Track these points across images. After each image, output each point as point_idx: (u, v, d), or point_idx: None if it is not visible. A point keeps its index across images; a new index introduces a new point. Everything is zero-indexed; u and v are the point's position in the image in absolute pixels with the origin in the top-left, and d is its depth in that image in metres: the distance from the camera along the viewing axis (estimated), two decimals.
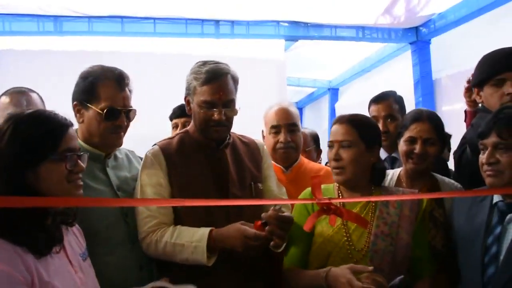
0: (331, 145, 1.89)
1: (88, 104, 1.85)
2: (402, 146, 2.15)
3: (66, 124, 1.47)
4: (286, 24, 4.96)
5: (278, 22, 4.91)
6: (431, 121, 2.13)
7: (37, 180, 1.39)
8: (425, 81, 5.15)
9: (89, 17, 4.36)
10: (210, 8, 4.51)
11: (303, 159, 2.59)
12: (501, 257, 1.62)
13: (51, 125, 1.42)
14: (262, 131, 2.61)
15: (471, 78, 2.28)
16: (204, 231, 1.76)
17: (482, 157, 1.72)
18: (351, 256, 1.79)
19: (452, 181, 2.19)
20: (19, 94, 2.36)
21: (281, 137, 2.42)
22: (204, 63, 1.95)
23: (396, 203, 1.85)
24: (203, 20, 4.71)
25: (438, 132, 2.13)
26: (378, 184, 1.96)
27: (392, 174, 2.26)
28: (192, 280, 1.65)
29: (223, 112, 1.90)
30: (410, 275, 1.83)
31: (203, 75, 1.90)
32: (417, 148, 2.08)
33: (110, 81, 1.84)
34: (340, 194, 1.94)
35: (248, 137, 2.20)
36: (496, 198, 1.75)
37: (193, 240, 1.75)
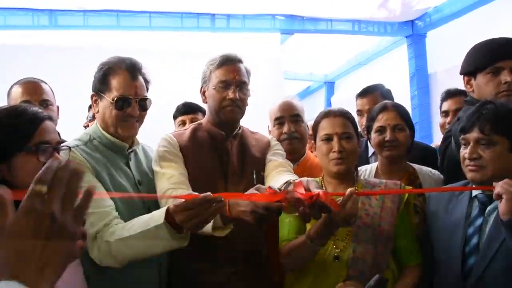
0: (329, 137, 1.91)
1: (102, 94, 1.89)
2: (374, 138, 2.20)
3: (41, 117, 1.45)
4: (282, 18, 4.97)
5: (273, 15, 4.92)
6: (397, 109, 2.20)
7: (10, 173, 1.38)
8: (420, 75, 5.18)
9: (84, 11, 4.36)
10: (205, 2, 4.51)
11: (309, 154, 2.60)
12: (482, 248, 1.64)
13: (24, 118, 1.42)
14: (268, 126, 2.62)
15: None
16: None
17: (464, 152, 1.73)
18: (334, 246, 1.81)
19: (429, 169, 2.23)
20: (31, 84, 2.39)
21: (285, 128, 2.44)
22: (220, 54, 2.05)
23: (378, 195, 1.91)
24: (198, 14, 4.71)
25: (405, 119, 2.19)
26: (356, 172, 2.02)
27: (370, 168, 2.30)
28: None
29: (237, 92, 1.98)
30: (397, 264, 1.86)
31: (218, 59, 2.01)
32: (388, 135, 2.13)
33: (122, 71, 1.84)
34: (324, 186, 1.96)
35: (260, 134, 2.25)
36: (476, 191, 1.76)
37: None
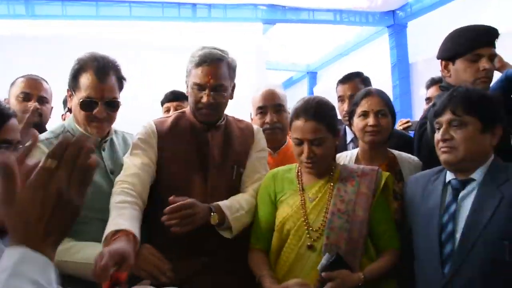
0: (300, 142, 1.86)
1: (73, 92, 1.91)
2: (357, 123, 2.20)
3: (7, 114, 1.39)
4: (264, 7, 4.94)
5: (255, 5, 4.89)
6: (380, 95, 2.21)
7: None
8: (401, 65, 5.22)
9: (63, 0, 4.26)
10: None
11: (290, 142, 2.60)
12: (457, 235, 1.64)
13: None
14: (250, 114, 2.61)
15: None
16: (112, 228, 1.62)
17: (437, 135, 1.73)
18: (308, 235, 1.80)
19: (409, 155, 2.25)
20: (33, 80, 2.56)
21: (267, 118, 2.44)
22: (202, 48, 2.02)
23: (354, 180, 1.87)
24: (179, 4, 4.65)
25: (388, 106, 2.19)
26: (333, 160, 2.00)
27: (350, 155, 2.30)
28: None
29: (212, 95, 1.96)
30: (375, 250, 1.87)
31: (197, 58, 1.97)
32: (371, 120, 2.13)
33: (91, 71, 1.84)
34: (300, 175, 1.97)
35: (246, 122, 2.25)
36: (449, 176, 1.77)
37: (113, 216, 1.69)
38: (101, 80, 1.84)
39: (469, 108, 1.66)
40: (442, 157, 1.72)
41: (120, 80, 1.94)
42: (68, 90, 1.94)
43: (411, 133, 3.04)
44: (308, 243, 1.79)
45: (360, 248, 1.79)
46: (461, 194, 1.71)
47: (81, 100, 1.84)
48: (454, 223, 1.67)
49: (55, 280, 0.74)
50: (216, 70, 1.96)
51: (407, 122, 3.19)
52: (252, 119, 2.56)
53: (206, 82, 1.95)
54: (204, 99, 1.95)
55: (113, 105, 1.91)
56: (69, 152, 0.74)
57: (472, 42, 2.07)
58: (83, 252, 1.68)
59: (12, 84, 2.58)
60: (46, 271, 0.72)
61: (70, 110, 2.15)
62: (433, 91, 3.07)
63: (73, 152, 0.75)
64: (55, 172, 0.73)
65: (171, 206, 1.73)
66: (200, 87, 1.96)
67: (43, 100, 2.54)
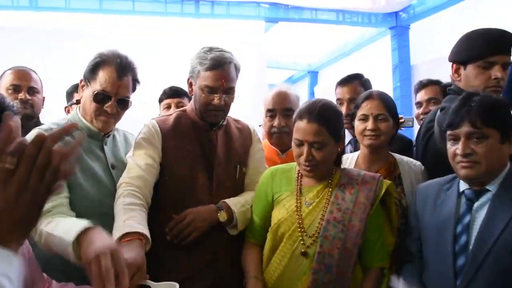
0: (300, 143, 1.83)
1: (88, 83, 1.96)
2: (357, 125, 2.18)
3: (11, 112, 1.35)
4: (267, 6, 4.94)
5: (258, 3, 4.89)
6: (381, 99, 2.16)
7: None
8: (403, 66, 5.21)
9: None
10: None
11: None
12: (471, 247, 1.59)
13: None
14: (263, 113, 2.61)
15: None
16: (127, 230, 1.60)
17: (454, 148, 1.66)
18: (302, 242, 1.78)
19: (411, 159, 2.23)
20: (22, 71, 2.60)
21: (275, 122, 2.43)
22: (210, 49, 2.03)
23: (353, 189, 1.83)
24: (182, 0, 4.65)
25: (389, 109, 2.15)
26: (338, 164, 1.97)
27: (351, 158, 2.28)
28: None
29: (223, 98, 2.00)
30: (361, 263, 1.84)
31: (208, 61, 1.99)
32: (369, 124, 2.11)
33: (111, 66, 1.90)
34: (299, 176, 1.95)
35: (242, 122, 2.28)
36: (463, 186, 1.71)
37: (123, 217, 1.68)
38: (119, 77, 1.90)
39: (488, 120, 1.59)
40: (462, 172, 1.65)
41: (135, 82, 2.00)
42: (81, 80, 1.98)
43: (404, 130, 3.03)
44: (302, 250, 1.78)
45: (353, 257, 1.77)
46: (475, 205, 1.66)
47: (96, 92, 1.89)
48: (468, 235, 1.62)
49: (20, 272, 0.76)
50: (228, 74, 2.00)
51: (400, 118, 3.15)
52: (263, 119, 2.56)
53: (220, 85, 1.98)
54: (216, 102, 1.98)
55: (124, 103, 1.96)
56: (27, 152, 0.76)
57: (485, 48, 2.00)
58: (61, 226, 1.58)
59: (1, 76, 2.61)
60: (12, 265, 0.74)
61: (77, 102, 2.16)
62: (422, 95, 3.02)
63: (32, 152, 0.76)
64: (15, 170, 0.74)
65: (168, 225, 1.87)
66: (212, 90, 1.99)
67: (33, 91, 2.58)
